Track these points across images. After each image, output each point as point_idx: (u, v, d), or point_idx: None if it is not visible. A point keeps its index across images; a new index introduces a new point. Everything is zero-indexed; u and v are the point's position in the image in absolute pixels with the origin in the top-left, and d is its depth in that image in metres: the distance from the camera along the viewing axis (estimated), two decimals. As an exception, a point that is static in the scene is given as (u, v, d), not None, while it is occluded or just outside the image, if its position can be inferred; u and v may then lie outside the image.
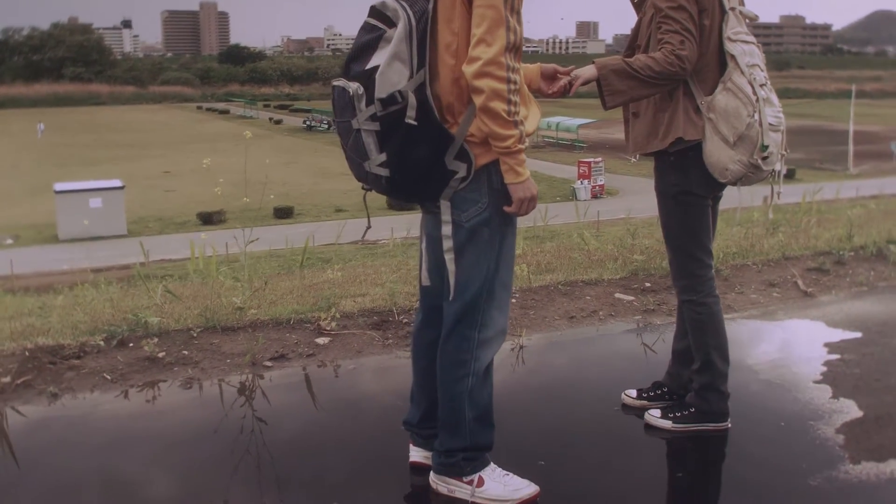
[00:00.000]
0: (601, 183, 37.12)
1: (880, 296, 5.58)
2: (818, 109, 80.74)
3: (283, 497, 3.11)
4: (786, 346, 4.75)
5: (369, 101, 2.71)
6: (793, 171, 40.22)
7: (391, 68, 2.68)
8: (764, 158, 3.36)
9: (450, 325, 2.95)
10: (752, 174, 3.38)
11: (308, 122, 70.30)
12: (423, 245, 3.08)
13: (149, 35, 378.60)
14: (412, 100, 2.70)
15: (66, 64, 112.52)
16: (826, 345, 4.61)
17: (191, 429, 3.68)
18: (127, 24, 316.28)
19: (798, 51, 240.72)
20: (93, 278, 7.03)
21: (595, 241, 7.05)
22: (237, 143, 61.53)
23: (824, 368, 4.27)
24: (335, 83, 2.80)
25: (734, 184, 3.46)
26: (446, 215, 2.86)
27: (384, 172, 2.79)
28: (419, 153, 2.77)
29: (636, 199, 26.39)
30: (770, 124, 3.33)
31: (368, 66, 2.71)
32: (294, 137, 60.99)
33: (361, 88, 2.70)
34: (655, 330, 4.82)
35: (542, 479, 3.07)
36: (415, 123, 2.72)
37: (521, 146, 2.76)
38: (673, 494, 3.29)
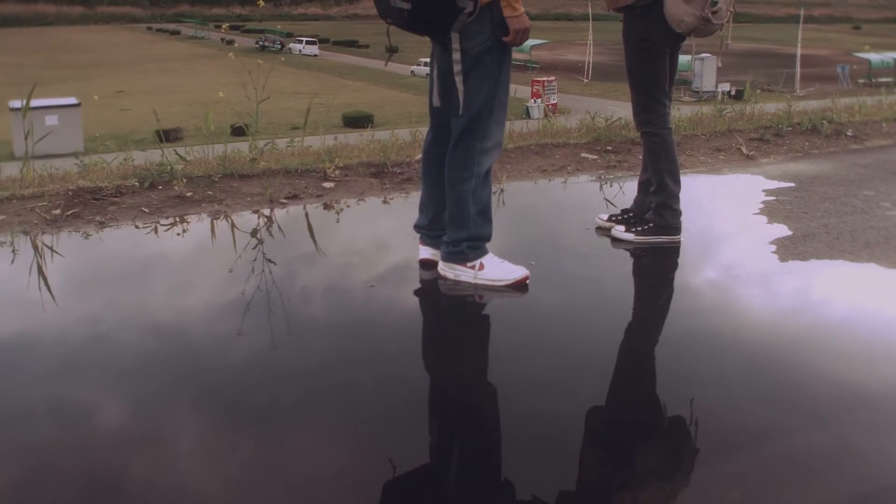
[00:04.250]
0: (554, 102, 37.65)
1: (813, 159, 6.35)
2: (768, 34, 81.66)
3: (320, 289, 3.78)
4: (730, 191, 5.53)
5: None
6: (741, 91, 41.12)
7: None
8: (714, 13, 4.02)
9: (457, 136, 3.61)
10: (703, 27, 4.04)
11: (261, 43, 69.78)
12: (435, 73, 3.73)
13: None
14: None
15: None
16: (764, 190, 5.35)
17: (226, 246, 4.31)
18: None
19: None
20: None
21: (560, 123, 7.71)
22: (189, 63, 61.04)
23: (762, 205, 5.01)
24: None
25: (688, 34, 4.13)
26: (456, 44, 3.51)
27: (406, 6, 3.42)
28: None
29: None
30: None
31: None
32: (247, 57, 60.53)
33: None
34: (618, 180, 5.54)
35: (532, 273, 3.75)
36: None
37: None
38: (638, 292, 4.00)
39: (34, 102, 32.30)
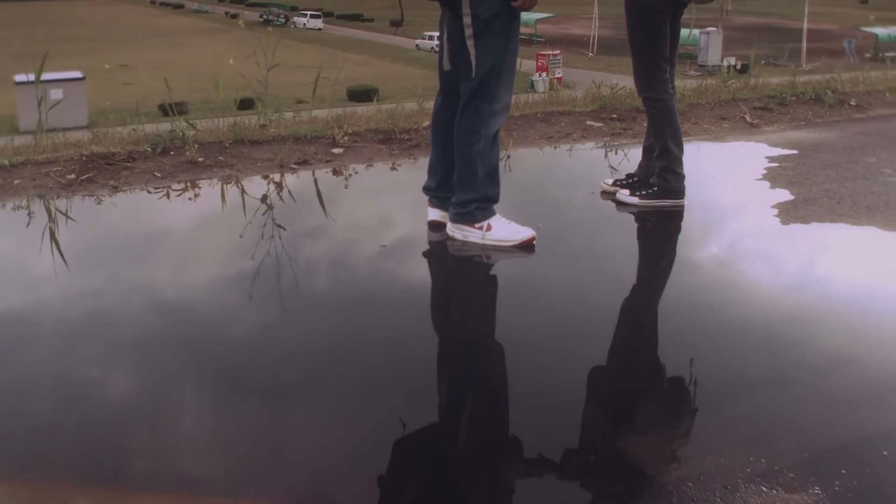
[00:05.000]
0: (559, 76, 37.56)
1: (816, 128, 6.42)
2: (774, 8, 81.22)
3: (331, 250, 3.87)
4: (733, 158, 5.60)
5: None
6: (747, 65, 40.95)
7: None
8: None
9: (466, 99, 3.69)
10: None
11: (265, 17, 69.60)
12: (445, 38, 3.80)
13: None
14: None
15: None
16: (767, 157, 5.43)
17: (237, 209, 4.39)
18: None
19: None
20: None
21: (565, 92, 7.77)
22: (193, 38, 60.92)
23: (765, 171, 5.09)
24: None
25: (689, 1, 4.20)
26: (466, 9, 3.58)
27: None
28: None
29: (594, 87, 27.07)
30: None
31: None
32: (251, 31, 60.42)
33: None
34: (623, 147, 5.62)
35: (539, 235, 3.82)
36: None
37: None
38: (642, 253, 4.08)
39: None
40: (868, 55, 43.81)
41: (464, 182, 3.76)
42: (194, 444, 2.38)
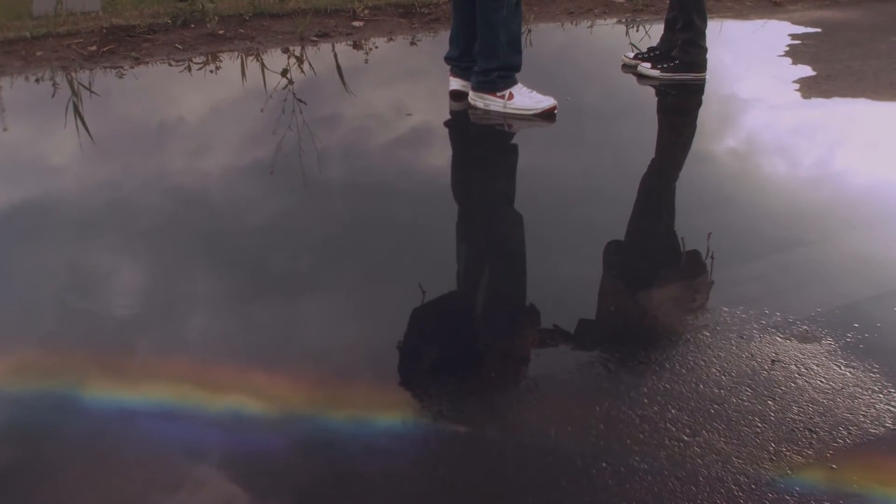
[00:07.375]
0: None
1: (841, 7, 6.34)
2: None
3: (355, 119, 3.89)
4: (756, 35, 5.54)
5: None
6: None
7: None
8: None
9: (488, -33, 3.66)
10: None
11: None
12: None
13: None
14: None
15: None
16: (790, 35, 5.38)
17: (259, 81, 4.40)
18: None
19: None
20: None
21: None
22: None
23: (787, 48, 5.05)
24: None
25: None
26: None
27: None
28: None
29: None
30: None
31: None
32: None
33: None
34: (645, 23, 5.57)
35: (561, 105, 3.84)
36: None
37: None
38: (662, 125, 4.08)
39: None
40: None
41: (486, 51, 3.76)
42: (229, 304, 2.45)
